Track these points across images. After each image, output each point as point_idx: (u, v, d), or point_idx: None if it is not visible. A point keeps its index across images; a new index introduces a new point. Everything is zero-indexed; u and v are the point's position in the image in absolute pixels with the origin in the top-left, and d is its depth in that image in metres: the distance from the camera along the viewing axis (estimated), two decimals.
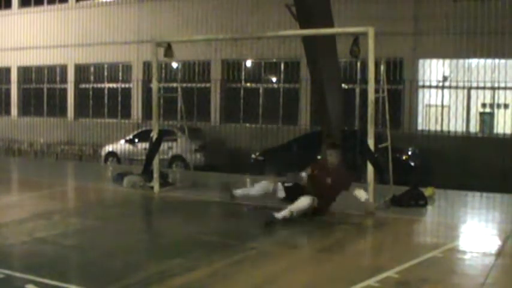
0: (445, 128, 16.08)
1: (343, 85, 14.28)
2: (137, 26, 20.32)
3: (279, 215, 6.94)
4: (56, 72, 23.05)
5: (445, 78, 16.37)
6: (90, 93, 22.22)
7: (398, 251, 5.86)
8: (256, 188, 7.92)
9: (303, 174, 7.50)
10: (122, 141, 17.21)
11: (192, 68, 19.52)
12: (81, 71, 22.34)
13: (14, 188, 10.59)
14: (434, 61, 16.36)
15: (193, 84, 19.47)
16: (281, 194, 7.64)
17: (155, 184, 9.23)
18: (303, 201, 7.11)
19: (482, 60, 15.77)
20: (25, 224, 6.84)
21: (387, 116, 8.28)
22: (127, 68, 21.19)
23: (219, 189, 8.47)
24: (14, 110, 23.85)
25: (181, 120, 11.90)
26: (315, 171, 7.51)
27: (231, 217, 7.84)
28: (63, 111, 22.58)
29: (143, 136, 15.35)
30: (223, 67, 19.15)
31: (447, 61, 16.36)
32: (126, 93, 21.23)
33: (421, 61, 16.44)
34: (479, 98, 15.94)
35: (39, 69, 23.42)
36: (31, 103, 23.59)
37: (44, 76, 23.34)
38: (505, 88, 15.56)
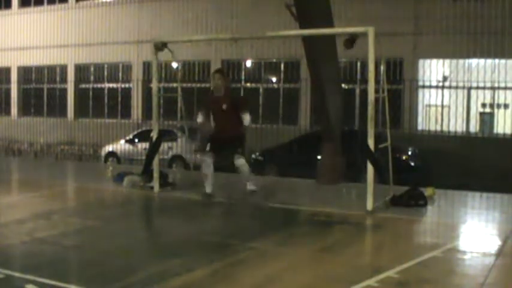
0: (445, 128, 16.10)
1: (343, 85, 14.28)
2: (137, 26, 20.35)
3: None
4: (56, 72, 23.09)
5: (445, 78, 16.39)
6: (90, 93, 22.26)
7: (398, 251, 5.85)
8: (207, 170, 8.25)
9: (199, 119, 8.32)
10: (122, 141, 17.21)
11: (192, 68, 19.53)
12: (81, 71, 22.37)
13: (14, 188, 10.59)
14: (434, 61, 16.38)
15: (193, 84, 19.48)
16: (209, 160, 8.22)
17: (155, 184, 9.23)
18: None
19: (482, 60, 15.79)
20: (25, 224, 6.84)
21: (387, 116, 8.27)
22: (127, 68, 21.21)
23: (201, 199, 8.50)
24: (14, 110, 23.88)
25: (181, 120, 11.88)
26: (208, 101, 8.30)
27: (231, 217, 7.84)
28: (63, 111, 22.61)
29: (143, 136, 15.34)
30: (223, 67, 19.14)
31: (447, 61, 16.38)
32: (126, 93, 21.26)
33: (421, 61, 16.46)
34: (479, 98, 15.96)
35: (39, 69, 23.45)
36: (31, 103, 23.62)
37: (44, 76, 23.37)
38: (505, 88, 15.58)
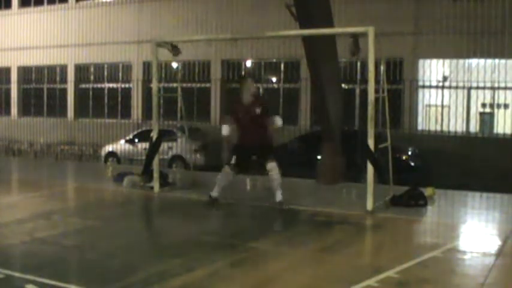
0: (445, 128, 16.09)
1: (343, 85, 14.29)
2: (137, 26, 20.33)
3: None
4: (56, 72, 23.08)
5: (445, 78, 16.38)
6: (90, 93, 22.25)
7: (398, 251, 5.85)
8: (222, 179, 8.09)
9: (225, 132, 8.06)
10: (122, 141, 17.21)
11: (192, 68, 19.53)
12: (81, 71, 22.36)
13: (14, 188, 10.59)
14: (434, 61, 16.37)
15: (193, 84, 19.48)
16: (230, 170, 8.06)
17: (155, 184, 9.23)
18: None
19: (482, 60, 15.77)
20: (25, 224, 6.84)
21: (387, 116, 8.28)
22: (127, 68, 21.20)
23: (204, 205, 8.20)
24: (14, 110, 23.87)
25: (181, 120, 11.89)
26: (238, 113, 7.96)
27: (231, 217, 7.84)
28: (63, 111, 22.60)
29: (143, 136, 15.34)
30: (223, 67, 19.16)
31: (447, 61, 16.37)
32: (126, 93, 21.25)
33: (421, 61, 16.44)
34: (479, 98, 15.95)
35: (39, 69, 23.44)
36: (31, 103, 23.61)
37: (44, 76, 23.36)
38: (505, 88, 15.57)
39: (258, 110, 7.82)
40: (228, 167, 7.99)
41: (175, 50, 9.07)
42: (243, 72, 18.58)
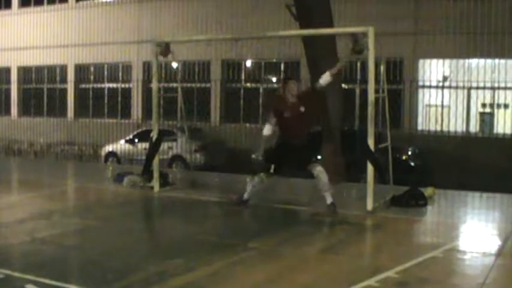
0: (445, 128, 16.10)
1: (343, 85, 14.28)
2: (137, 26, 20.35)
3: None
4: (56, 72, 23.08)
5: (445, 78, 16.39)
6: (90, 93, 22.25)
7: (398, 251, 5.85)
8: (256, 186, 7.90)
9: (266, 131, 7.70)
10: (122, 141, 17.22)
11: (192, 68, 19.53)
12: (81, 71, 22.36)
13: (14, 188, 10.59)
14: (434, 61, 16.38)
15: (193, 84, 19.48)
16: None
17: (155, 184, 9.23)
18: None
19: (482, 60, 15.79)
20: (25, 224, 6.84)
21: (387, 116, 8.27)
22: (127, 68, 21.20)
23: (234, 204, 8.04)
24: (14, 110, 23.89)
25: (181, 120, 11.90)
26: (279, 108, 7.66)
27: (231, 217, 7.84)
28: (63, 111, 22.61)
29: (143, 136, 15.35)
30: (223, 67, 19.16)
31: (447, 61, 16.38)
32: (126, 93, 21.25)
33: (421, 61, 16.45)
34: (479, 98, 15.96)
35: (39, 69, 23.45)
36: (31, 103, 23.62)
37: (44, 76, 23.37)
38: (505, 88, 15.58)
39: (302, 109, 7.58)
40: (265, 175, 7.76)
41: (165, 50, 8.91)
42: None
